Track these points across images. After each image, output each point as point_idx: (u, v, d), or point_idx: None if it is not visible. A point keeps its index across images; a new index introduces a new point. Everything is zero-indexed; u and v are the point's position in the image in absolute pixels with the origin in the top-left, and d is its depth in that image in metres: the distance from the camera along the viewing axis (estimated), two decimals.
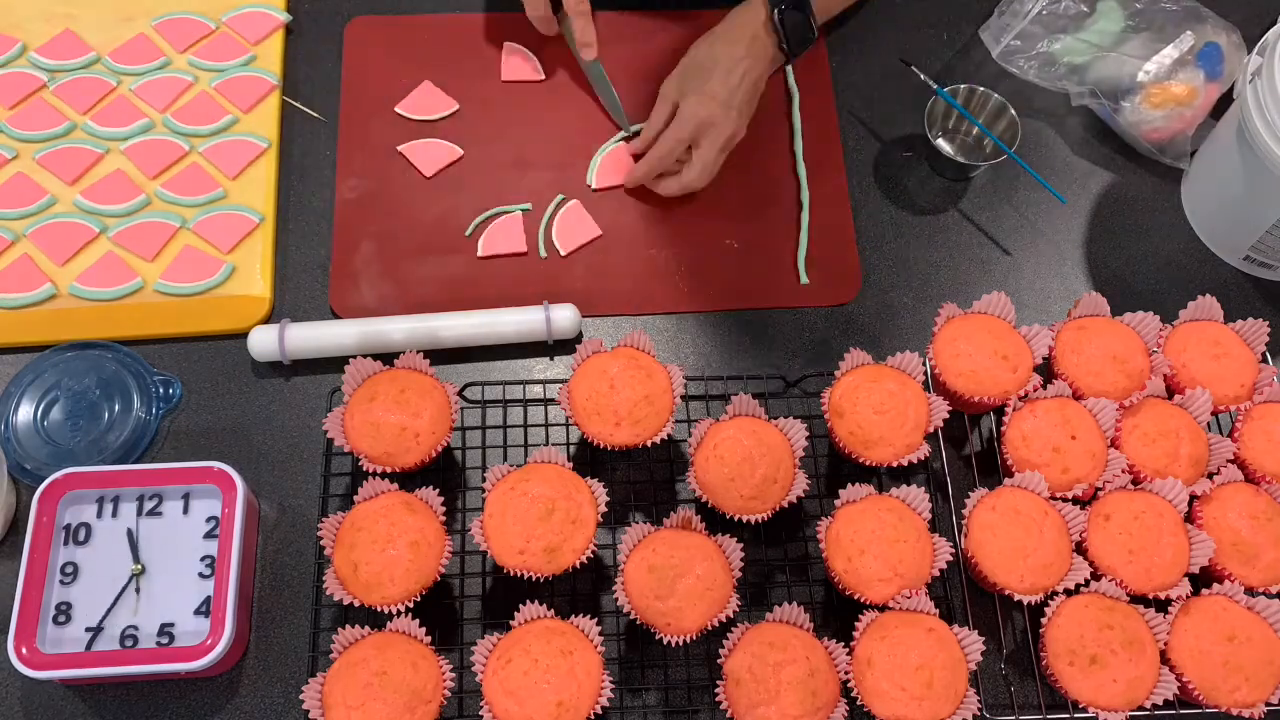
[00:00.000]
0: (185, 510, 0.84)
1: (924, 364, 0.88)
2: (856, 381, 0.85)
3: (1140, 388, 0.87)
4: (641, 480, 0.90)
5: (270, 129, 1.04)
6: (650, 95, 1.03)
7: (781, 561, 0.88)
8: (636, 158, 1.02)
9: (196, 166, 1.02)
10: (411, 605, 0.78)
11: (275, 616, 0.85)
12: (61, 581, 0.81)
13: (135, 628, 0.80)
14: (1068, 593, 0.80)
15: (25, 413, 0.90)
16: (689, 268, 1.00)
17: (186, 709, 0.81)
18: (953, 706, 0.75)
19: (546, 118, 1.07)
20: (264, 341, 0.92)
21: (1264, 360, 0.92)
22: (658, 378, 0.85)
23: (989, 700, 0.83)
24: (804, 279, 1.00)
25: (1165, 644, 0.78)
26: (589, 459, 0.90)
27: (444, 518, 0.81)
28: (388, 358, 0.87)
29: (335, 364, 0.91)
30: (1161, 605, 0.81)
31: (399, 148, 1.04)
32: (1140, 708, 0.77)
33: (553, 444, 0.86)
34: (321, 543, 0.80)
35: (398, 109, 1.06)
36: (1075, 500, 0.84)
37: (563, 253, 1.00)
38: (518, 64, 1.09)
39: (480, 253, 1.00)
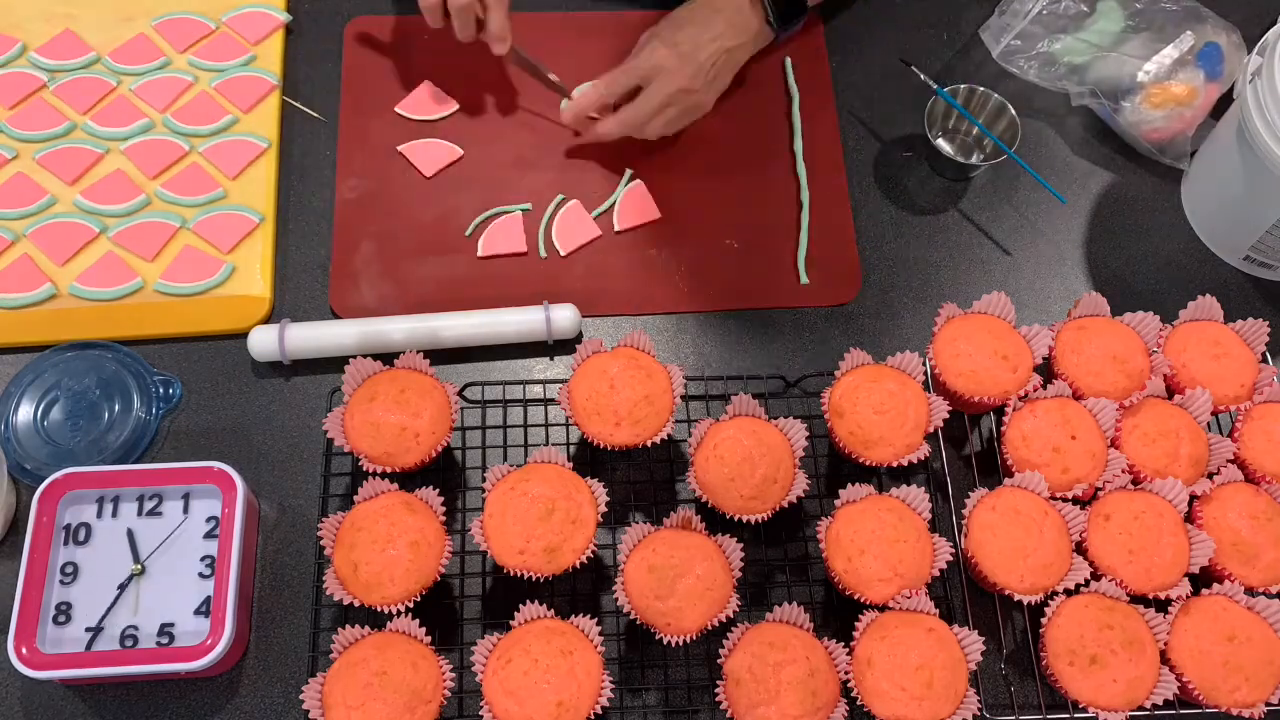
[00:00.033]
0: (185, 510, 0.84)
1: (924, 364, 0.88)
2: (856, 381, 0.86)
3: (1140, 388, 0.87)
4: (641, 480, 0.90)
5: (270, 129, 1.04)
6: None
7: (781, 561, 0.88)
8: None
9: (196, 166, 1.02)
10: (411, 605, 0.78)
11: (275, 616, 0.85)
12: (61, 581, 0.81)
13: (135, 628, 0.80)
14: (1068, 593, 0.80)
15: (25, 413, 0.90)
16: (689, 268, 1.00)
17: (186, 709, 0.81)
18: (953, 706, 0.75)
19: (546, 117, 1.07)
20: (264, 341, 0.92)
21: (1264, 360, 0.92)
22: (658, 378, 0.85)
23: (989, 700, 0.83)
24: (804, 279, 1.00)
25: (1165, 644, 0.79)
26: (589, 459, 0.90)
27: (444, 518, 0.81)
28: (388, 358, 0.87)
29: (335, 364, 0.91)
30: (1161, 605, 0.81)
31: (399, 148, 1.04)
32: (1140, 708, 0.77)
33: (553, 444, 0.86)
34: (321, 543, 0.80)
35: (398, 109, 1.06)
36: (1075, 500, 0.84)
37: (563, 253, 1.00)
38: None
39: (480, 253, 1.00)
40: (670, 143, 1.05)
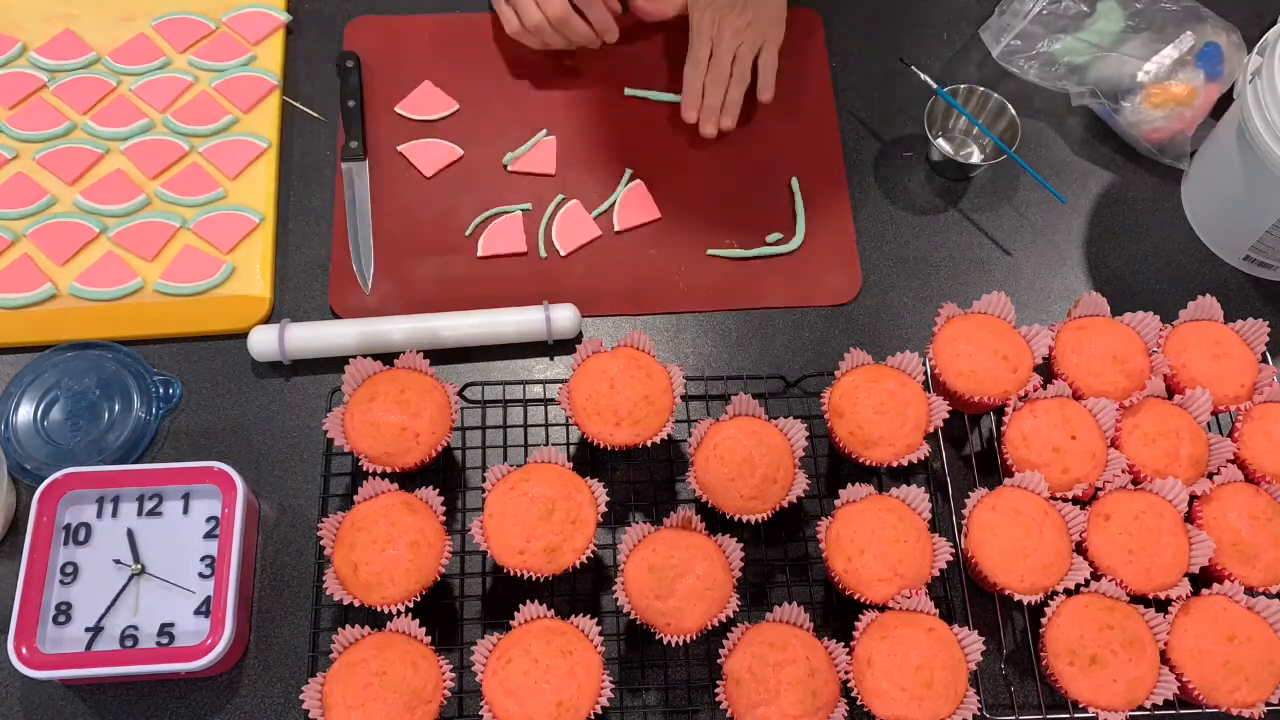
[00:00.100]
0: (185, 510, 0.84)
1: (924, 364, 0.88)
2: (856, 381, 0.86)
3: (1140, 388, 0.87)
4: (641, 480, 0.90)
5: (270, 129, 1.04)
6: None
7: (781, 561, 0.88)
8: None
9: (196, 166, 1.02)
10: (411, 605, 0.78)
11: (275, 616, 0.85)
12: (61, 581, 0.81)
13: (135, 628, 0.80)
14: (1068, 593, 0.80)
15: (25, 413, 0.90)
16: (689, 268, 1.01)
17: (186, 709, 0.81)
18: (953, 706, 0.75)
19: (547, 117, 1.07)
20: (264, 341, 0.92)
21: (1264, 360, 0.92)
22: (658, 378, 0.85)
23: (989, 700, 0.83)
24: (804, 279, 1.00)
25: (1165, 644, 0.78)
26: (589, 459, 0.90)
27: (444, 518, 0.81)
28: (388, 358, 0.87)
29: (335, 364, 0.91)
30: (1161, 605, 0.81)
31: (399, 148, 1.04)
32: (1140, 708, 0.77)
33: (553, 444, 0.86)
34: (321, 543, 0.80)
35: (398, 109, 1.06)
36: (1075, 500, 0.84)
37: (563, 253, 1.00)
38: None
39: (480, 253, 1.00)
40: (670, 143, 1.05)
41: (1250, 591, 0.82)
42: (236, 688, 0.82)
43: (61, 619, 0.80)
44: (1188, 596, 0.80)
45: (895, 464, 0.84)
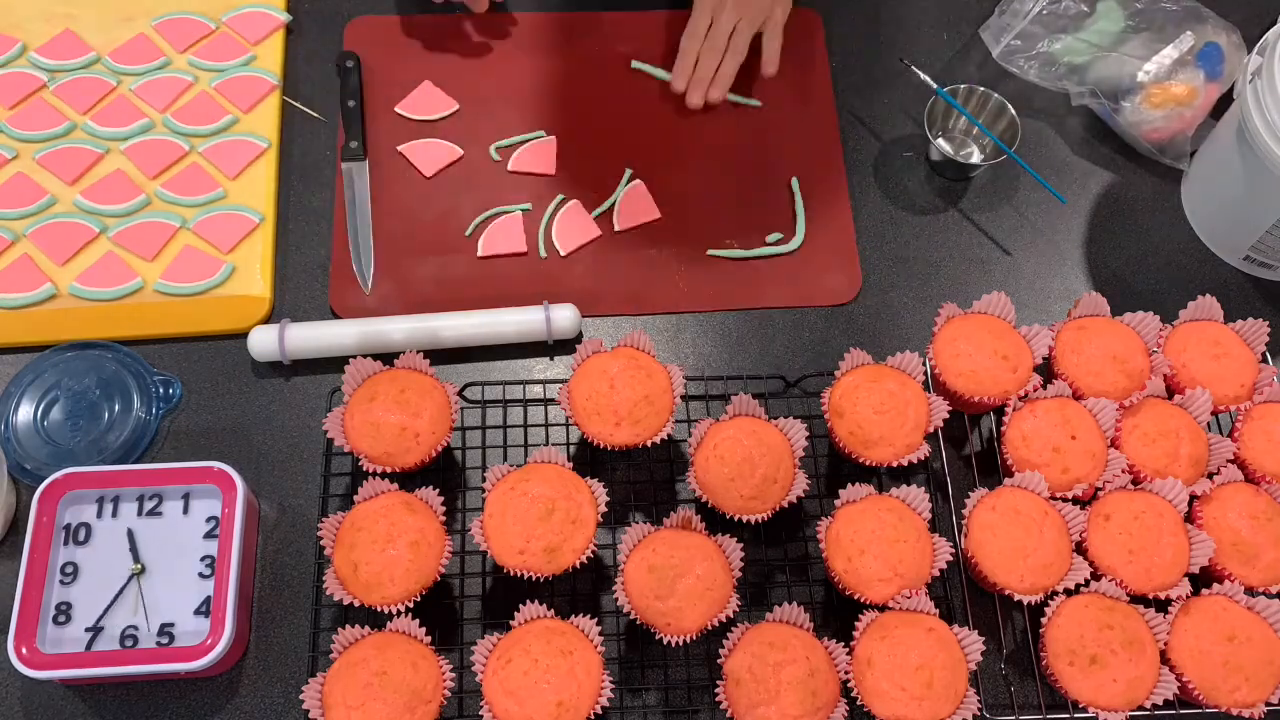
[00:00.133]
0: (185, 510, 0.84)
1: (924, 364, 0.88)
2: (856, 381, 0.85)
3: (1140, 388, 0.87)
4: (641, 480, 0.90)
5: (270, 129, 1.04)
6: None
7: (781, 561, 0.88)
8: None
9: (196, 166, 1.02)
10: (411, 605, 0.78)
11: (275, 616, 0.85)
12: (61, 581, 0.81)
13: (135, 628, 0.80)
14: (1068, 593, 0.80)
15: (25, 413, 0.90)
16: (689, 268, 1.00)
17: (186, 709, 0.81)
18: (953, 706, 0.75)
19: (547, 117, 1.07)
20: (264, 341, 0.92)
21: (1264, 360, 0.92)
22: (658, 378, 0.85)
23: (989, 700, 0.83)
24: (804, 279, 1.00)
25: (1165, 644, 0.78)
26: (589, 459, 0.90)
27: (444, 518, 0.81)
28: (388, 358, 0.87)
29: (335, 364, 0.91)
30: (1161, 605, 0.81)
31: (399, 148, 1.04)
32: (1140, 708, 0.77)
33: (553, 444, 0.86)
34: (321, 543, 0.80)
35: (398, 109, 1.06)
36: (1075, 500, 0.84)
37: (563, 253, 1.00)
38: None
39: (480, 253, 1.00)
40: (670, 143, 1.05)
41: (1250, 591, 0.82)
42: (236, 688, 0.82)
43: (61, 619, 0.80)
44: (1188, 596, 0.80)
45: (895, 464, 0.84)
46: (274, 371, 0.94)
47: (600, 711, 0.74)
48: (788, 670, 0.74)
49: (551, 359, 0.96)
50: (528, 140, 1.05)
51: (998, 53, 1.10)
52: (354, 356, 0.86)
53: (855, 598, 0.80)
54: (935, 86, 1.03)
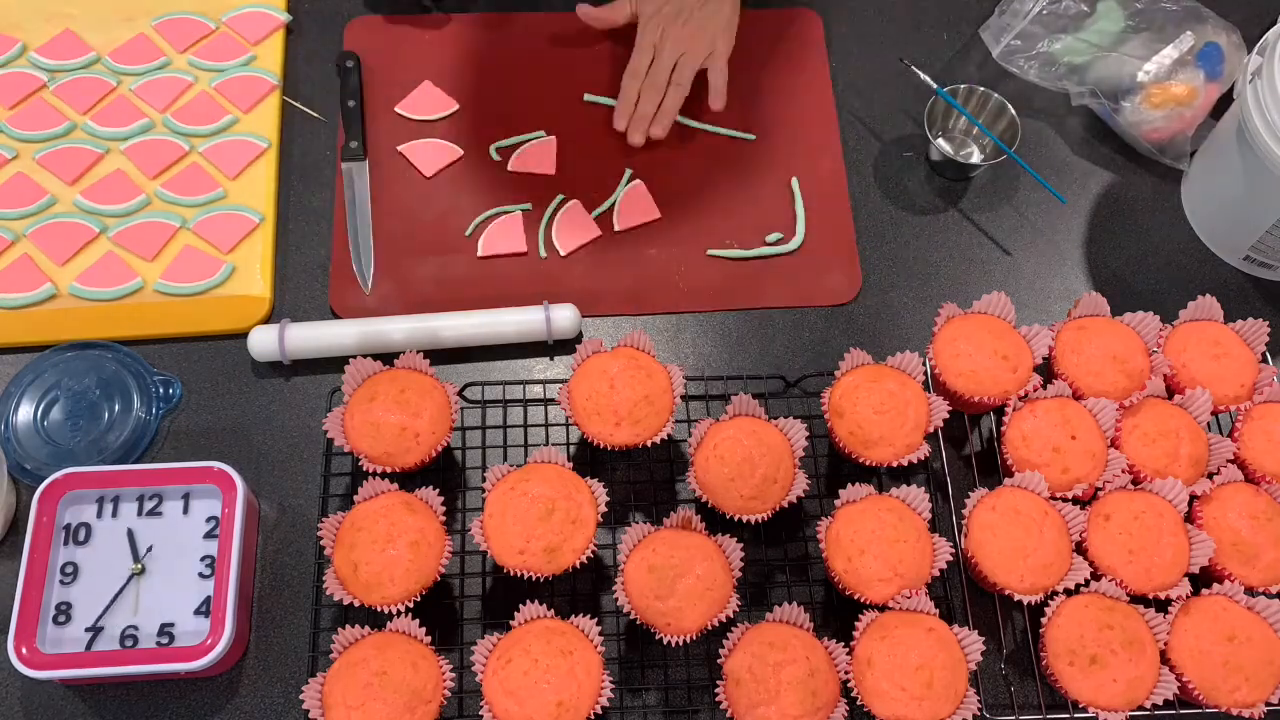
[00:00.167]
0: (185, 510, 0.84)
1: (924, 364, 0.88)
2: (856, 381, 0.85)
3: (1140, 388, 0.87)
4: (641, 480, 0.90)
5: (270, 129, 1.04)
6: None
7: (781, 561, 0.88)
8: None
9: (196, 166, 1.02)
10: (411, 605, 0.78)
11: (275, 616, 0.85)
12: (61, 581, 0.81)
13: (135, 628, 0.80)
14: (1068, 593, 0.80)
15: (25, 413, 0.90)
16: (689, 268, 1.00)
17: (186, 709, 0.81)
18: (953, 706, 0.75)
19: (546, 117, 1.07)
20: (264, 341, 0.92)
21: (1264, 360, 0.92)
22: (658, 378, 0.85)
23: (989, 700, 0.83)
24: (804, 279, 1.00)
25: (1165, 644, 0.78)
26: (589, 459, 0.90)
27: (444, 518, 0.81)
28: (388, 358, 0.87)
29: (335, 364, 0.91)
30: (1161, 605, 0.81)
31: (399, 148, 1.04)
32: (1140, 708, 0.77)
33: (553, 444, 0.86)
34: (321, 543, 0.80)
35: (398, 109, 1.06)
36: (1075, 500, 0.84)
37: (563, 253, 1.00)
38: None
39: (480, 253, 1.00)
40: (670, 142, 1.05)
41: (1250, 591, 0.82)
42: (236, 688, 0.82)
43: (61, 619, 0.80)
44: (1188, 596, 0.80)
45: (895, 464, 0.84)
46: (274, 371, 0.94)
47: (600, 711, 0.74)
48: (788, 670, 0.74)
49: (551, 359, 0.96)
50: (528, 140, 1.05)
51: (998, 53, 1.10)
52: (354, 356, 0.86)
53: (855, 598, 0.80)
54: (935, 86, 1.03)
